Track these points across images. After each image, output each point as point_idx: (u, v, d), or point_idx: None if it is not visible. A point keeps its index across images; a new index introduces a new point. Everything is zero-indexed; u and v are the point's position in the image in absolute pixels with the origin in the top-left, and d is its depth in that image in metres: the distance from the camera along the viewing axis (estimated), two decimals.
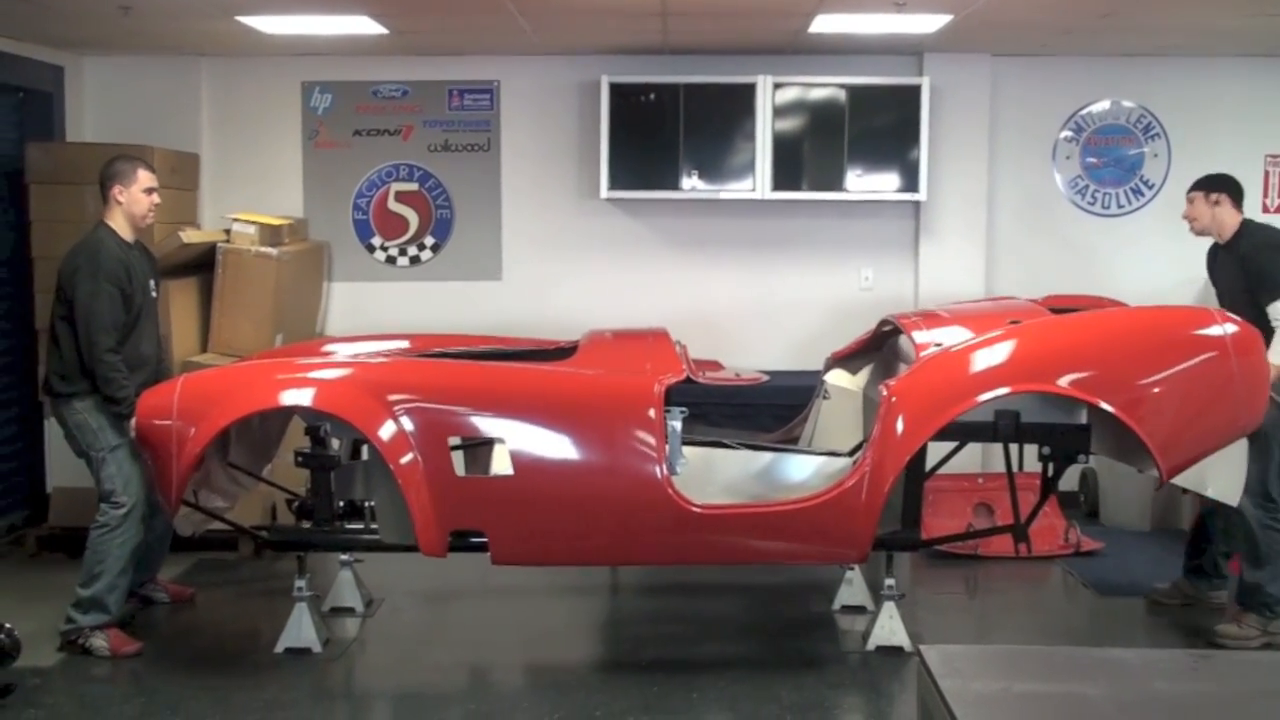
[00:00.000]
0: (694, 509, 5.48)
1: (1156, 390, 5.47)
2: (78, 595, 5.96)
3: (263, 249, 7.50)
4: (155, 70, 8.46)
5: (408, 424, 5.47)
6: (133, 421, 5.76)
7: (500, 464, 5.80)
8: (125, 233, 6.11)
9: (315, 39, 7.83)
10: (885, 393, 5.54)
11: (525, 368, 5.98)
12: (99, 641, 5.92)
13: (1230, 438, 5.60)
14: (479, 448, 6.04)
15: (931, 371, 5.67)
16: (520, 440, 5.52)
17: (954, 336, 5.87)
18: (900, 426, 5.45)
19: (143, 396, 5.75)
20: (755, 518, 5.61)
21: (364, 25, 7.31)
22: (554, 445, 5.55)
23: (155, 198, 6.19)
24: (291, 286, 7.67)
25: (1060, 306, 6.45)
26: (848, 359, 7.03)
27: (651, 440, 5.50)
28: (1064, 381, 5.46)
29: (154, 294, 6.28)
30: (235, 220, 7.64)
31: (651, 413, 5.53)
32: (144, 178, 6.12)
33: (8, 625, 5.51)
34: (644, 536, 5.58)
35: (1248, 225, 6.26)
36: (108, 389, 5.89)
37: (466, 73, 8.64)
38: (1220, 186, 6.28)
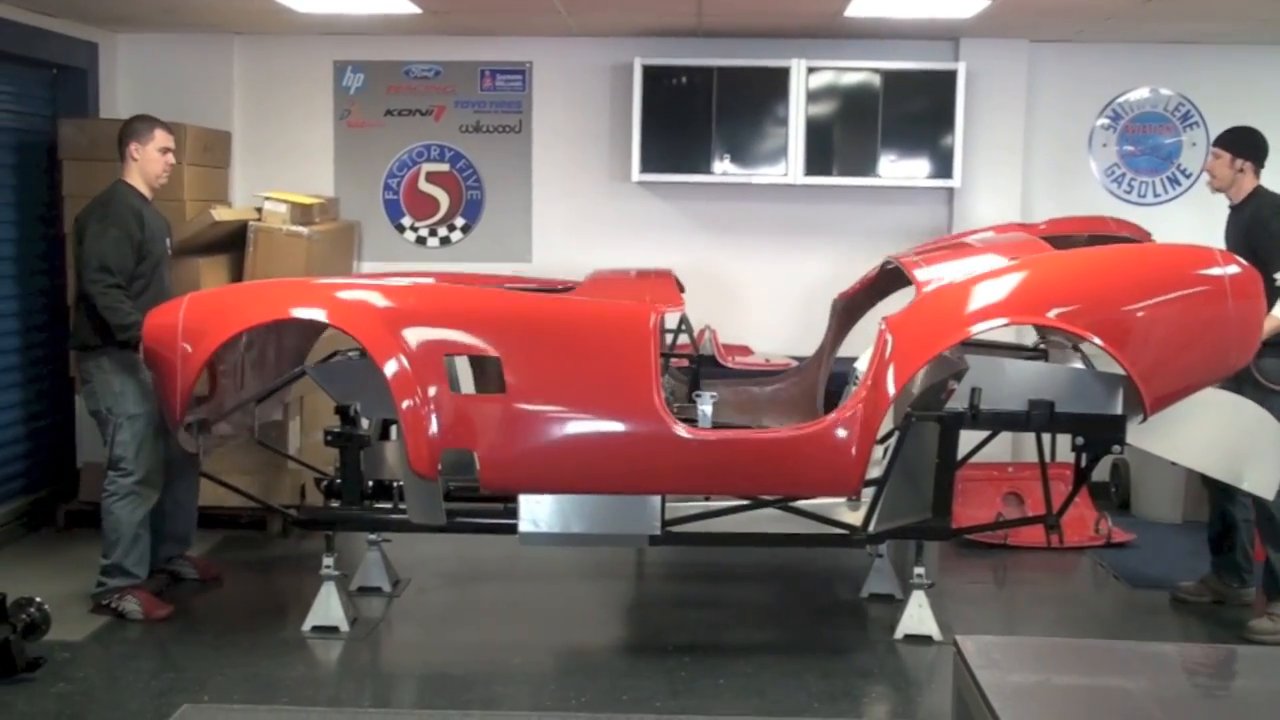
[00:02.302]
0: (685, 436, 5.45)
1: (1145, 323, 5.48)
2: (100, 564, 6.12)
3: (294, 228, 7.49)
4: (188, 48, 8.47)
5: (405, 338, 5.48)
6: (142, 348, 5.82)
7: (493, 384, 5.84)
8: (142, 189, 6.23)
9: (348, 18, 7.82)
10: (882, 327, 5.54)
11: (526, 294, 6.07)
12: (131, 605, 6.05)
13: (1218, 376, 5.66)
14: (473, 368, 6.17)
15: (927, 306, 5.67)
16: (514, 362, 5.51)
17: (955, 274, 5.85)
18: (892, 359, 5.44)
19: (149, 315, 5.78)
20: (745, 446, 5.57)
21: (397, 4, 7.28)
22: (547, 368, 5.54)
23: (170, 158, 6.29)
24: (322, 266, 7.66)
25: (1061, 234, 6.65)
26: (854, 299, 7.17)
27: (645, 366, 5.46)
28: (1055, 314, 5.49)
29: (169, 251, 6.41)
30: (266, 199, 7.63)
31: (647, 340, 5.51)
32: (160, 137, 6.22)
33: (38, 599, 5.53)
34: (635, 464, 5.54)
35: (1260, 191, 6.23)
36: (113, 318, 5.93)
37: (499, 53, 8.61)
38: (1248, 154, 6.25)
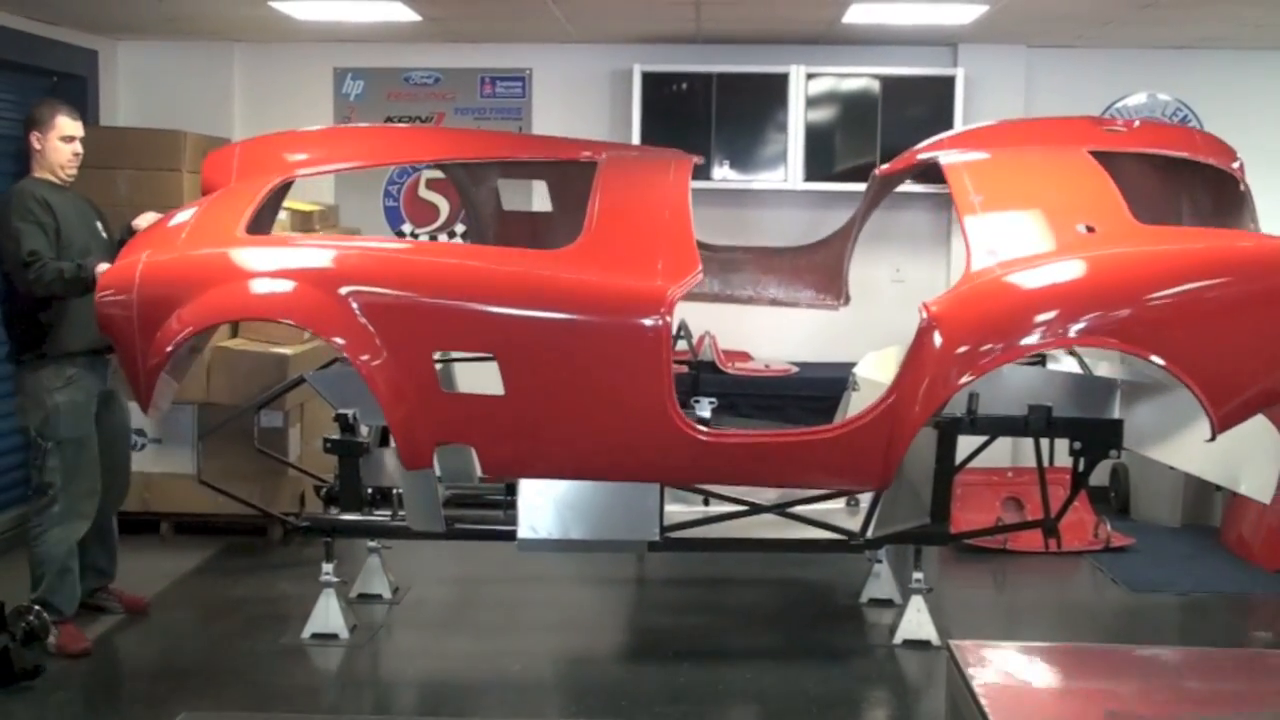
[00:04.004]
0: (701, 438, 5.28)
1: (1217, 336, 5.08)
2: (29, 598, 5.68)
3: (295, 236, 7.49)
4: (189, 55, 8.50)
5: (390, 339, 5.22)
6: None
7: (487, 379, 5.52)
8: (52, 180, 5.73)
9: (348, 25, 7.84)
10: (925, 315, 5.19)
11: (519, 268, 5.47)
12: (50, 638, 5.60)
13: None
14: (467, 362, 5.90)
15: (981, 299, 5.22)
16: (512, 357, 5.24)
17: (1012, 243, 5.40)
18: (935, 366, 5.14)
19: (102, 277, 5.38)
20: (768, 449, 5.39)
21: (397, 12, 7.30)
22: (549, 362, 5.26)
23: (77, 147, 5.76)
24: None
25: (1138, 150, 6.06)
26: (895, 177, 6.67)
27: (657, 358, 5.20)
28: (1123, 335, 5.08)
29: (104, 235, 5.92)
30: None
31: (660, 328, 5.19)
32: (63, 124, 5.70)
33: (36, 607, 5.54)
34: (647, 463, 5.38)
35: None
36: (65, 289, 5.48)
37: (499, 60, 8.63)
38: None
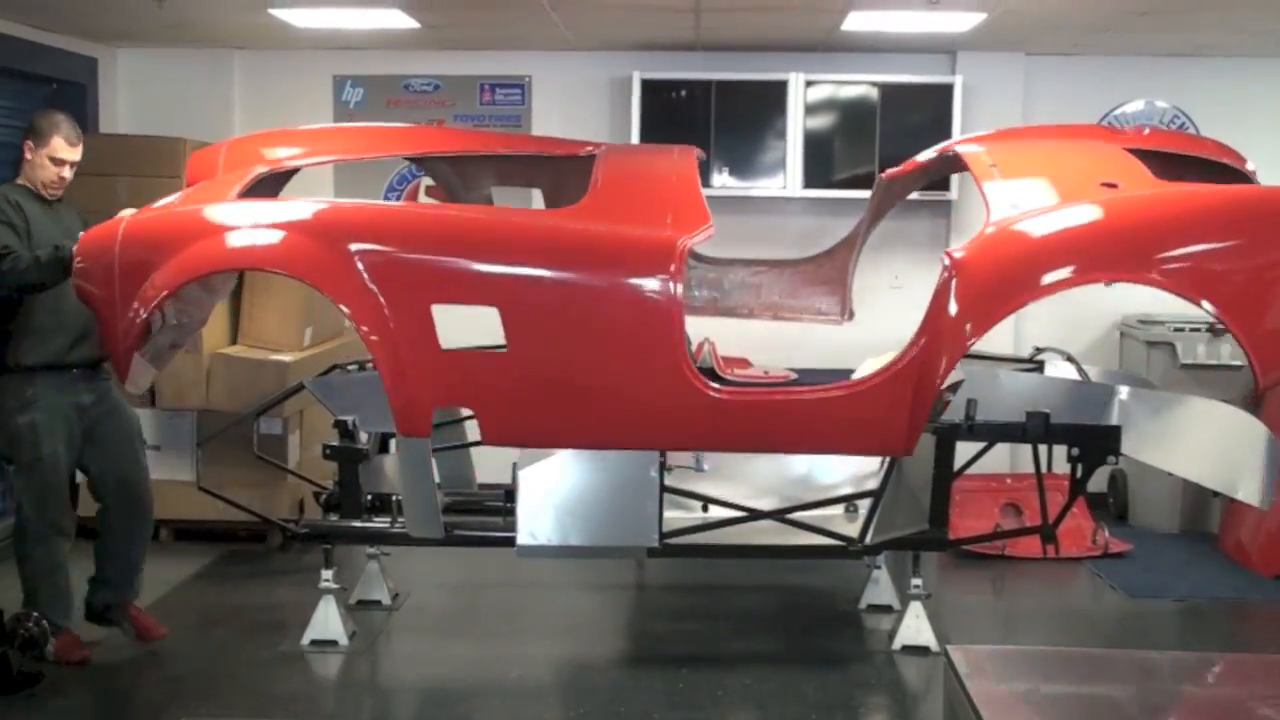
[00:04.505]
0: (716, 395, 5.15)
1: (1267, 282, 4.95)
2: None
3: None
4: (188, 63, 8.52)
5: (384, 291, 5.05)
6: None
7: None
8: (32, 188, 5.55)
9: (347, 33, 7.85)
10: (947, 263, 5.12)
11: (523, 221, 5.43)
12: (48, 647, 5.58)
13: None
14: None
15: (1003, 245, 5.13)
16: (516, 311, 5.08)
17: (1034, 196, 5.28)
18: (959, 312, 5.04)
19: (82, 239, 5.29)
20: (787, 407, 5.24)
21: (397, 19, 7.32)
22: (555, 317, 5.10)
23: (65, 171, 5.57)
24: None
25: (1150, 149, 5.89)
26: (901, 181, 6.61)
27: (669, 311, 5.06)
28: (1164, 272, 4.94)
29: None
30: None
31: (671, 281, 5.06)
32: (57, 145, 5.49)
33: (35, 614, 5.54)
34: (657, 424, 5.22)
35: None
36: (35, 274, 5.27)
37: (498, 67, 8.65)
38: None
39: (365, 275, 5.07)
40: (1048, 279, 5.07)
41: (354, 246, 5.10)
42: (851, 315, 6.96)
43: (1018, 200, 5.29)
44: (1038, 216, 5.19)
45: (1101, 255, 5.10)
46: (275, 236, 5.21)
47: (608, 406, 5.21)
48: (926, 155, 6.41)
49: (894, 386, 5.15)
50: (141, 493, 5.90)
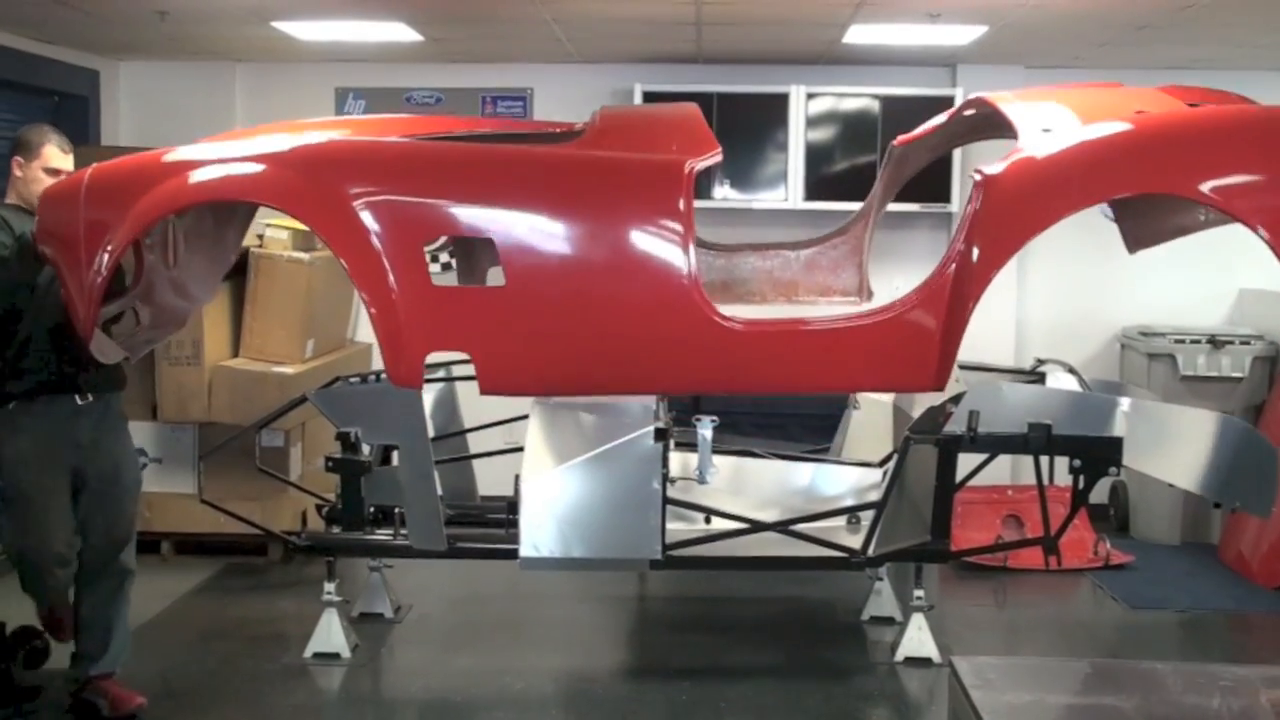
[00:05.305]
0: (732, 327, 4.90)
1: None
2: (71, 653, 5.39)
3: (295, 254, 7.52)
4: (190, 75, 8.54)
5: (371, 220, 4.78)
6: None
7: (487, 269, 5.15)
8: (21, 205, 5.17)
9: (349, 45, 7.87)
10: (978, 179, 4.92)
11: (520, 149, 5.17)
12: (101, 703, 5.30)
13: None
14: (463, 250, 5.35)
15: (1036, 161, 4.91)
16: (513, 240, 4.82)
17: (1065, 119, 5.13)
18: (993, 226, 4.86)
19: (44, 193, 5.03)
20: (811, 338, 4.99)
21: (399, 32, 7.34)
22: (556, 246, 4.86)
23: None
24: (323, 292, 7.69)
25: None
26: (915, 145, 6.44)
27: (678, 236, 4.84)
28: (1206, 186, 4.74)
29: None
30: (268, 225, 7.66)
31: (680, 202, 4.86)
32: (50, 155, 5.15)
33: (38, 628, 5.54)
34: (669, 362, 4.99)
35: None
36: (2, 273, 4.94)
37: (500, 80, 8.67)
38: None
39: (349, 204, 4.82)
40: (1082, 191, 4.90)
41: (337, 174, 4.89)
42: (871, 295, 6.75)
43: (1048, 123, 5.13)
44: (1071, 132, 5.01)
45: (1137, 167, 4.92)
46: (254, 168, 4.99)
47: (614, 344, 4.97)
48: (941, 118, 6.27)
49: (923, 314, 4.94)
50: (124, 535, 5.40)
